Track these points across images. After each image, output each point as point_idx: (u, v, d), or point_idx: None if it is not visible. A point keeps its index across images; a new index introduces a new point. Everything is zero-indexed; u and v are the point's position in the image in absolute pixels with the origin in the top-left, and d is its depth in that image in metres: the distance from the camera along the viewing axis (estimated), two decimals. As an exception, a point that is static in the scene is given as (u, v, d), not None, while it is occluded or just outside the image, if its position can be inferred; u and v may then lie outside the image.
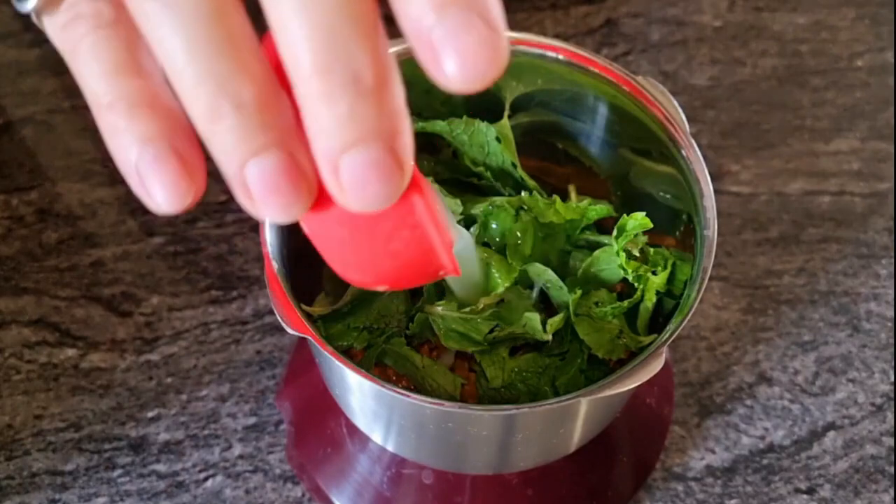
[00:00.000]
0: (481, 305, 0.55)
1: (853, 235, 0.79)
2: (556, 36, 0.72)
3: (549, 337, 0.53)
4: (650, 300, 0.54)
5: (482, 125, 0.57)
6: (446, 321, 0.53)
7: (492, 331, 0.54)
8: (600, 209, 0.56)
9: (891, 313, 0.74)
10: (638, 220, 0.53)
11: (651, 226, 0.53)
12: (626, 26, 0.92)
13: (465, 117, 0.58)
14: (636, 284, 0.53)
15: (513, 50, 0.56)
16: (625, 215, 0.54)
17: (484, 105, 0.59)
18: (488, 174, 0.58)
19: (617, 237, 0.54)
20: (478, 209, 0.57)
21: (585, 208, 0.56)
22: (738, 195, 0.81)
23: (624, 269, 0.53)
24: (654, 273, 0.54)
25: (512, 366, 0.55)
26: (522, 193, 0.57)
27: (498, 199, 0.57)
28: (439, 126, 0.58)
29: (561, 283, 0.54)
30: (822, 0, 0.95)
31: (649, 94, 0.54)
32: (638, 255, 0.55)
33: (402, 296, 0.57)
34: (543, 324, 0.53)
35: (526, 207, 0.56)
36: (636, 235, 0.55)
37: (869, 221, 0.79)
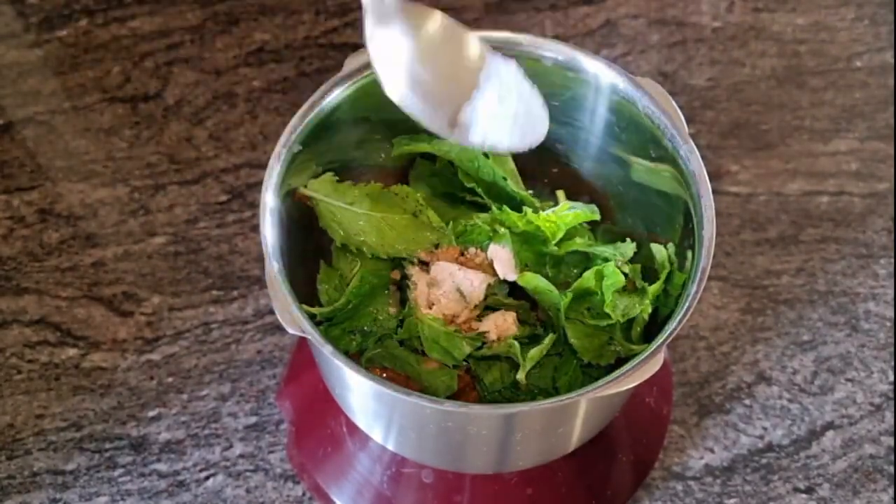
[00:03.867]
0: (463, 318, 0.55)
1: (852, 235, 0.79)
2: (556, 37, 0.72)
3: (523, 377, 0.53)
4: (645, 312, 0.54)
5: None
6: (432, 331, 0.54)
7: (479, 347, 0.54)
8: (577, 215, 0.56)
9: (890, 313, 0.75)
10: (612, 276, 0.53)
11: (623, 282, 0.54)
12: (626, 27, 0.92)
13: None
14: (622, 320, 0.54)
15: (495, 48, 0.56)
16: (601, 266, 0.54)
17: None
18: (480, 190, 0.58)
19: (598, 279, 0.54)
20: (457, 229, 0.58)
21: (558, 217, 0.56)
22: (736, 195, 0.81)
23: (610, 313, 0.54)
24: (643, 290, 0.54)
25: (509, 366, 0.55)
26: (494, 208, 0.57)
27: (475, 217, 0.58)
28: (425, 146, 0.58)
29: (551, 288, 0.54)
30: (821, 1, 0.95)
31: (648, 95, 0.54)
32: (627, 272, 0.55)
33: (393, 300, 0.58)
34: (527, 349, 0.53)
35: (501, 221, 0.57)
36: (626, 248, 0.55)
37: (868, 221, 0.80)
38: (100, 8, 0.91)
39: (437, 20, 0.51)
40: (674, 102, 0.54)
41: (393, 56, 0.49)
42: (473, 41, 0.52)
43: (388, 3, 0.49)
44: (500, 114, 0.50)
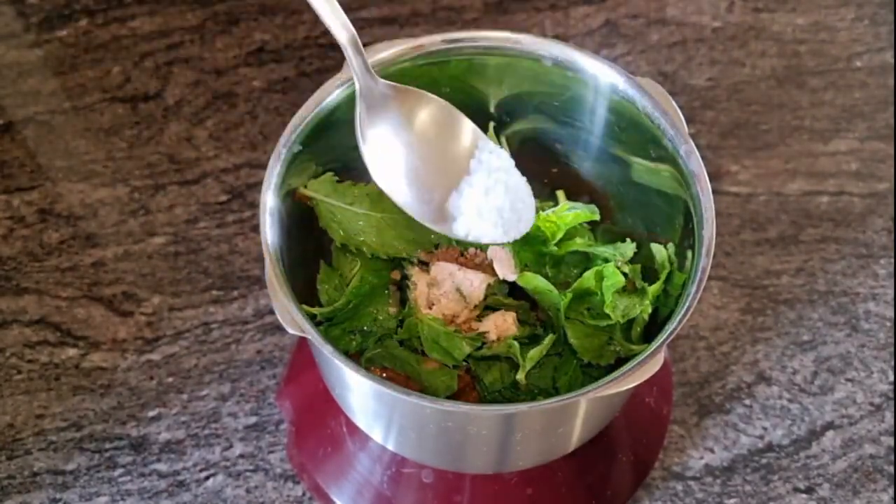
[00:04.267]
0: (462, 318, 0.55)
1: (852, 235, 0.79)
2: (556, 37, 0.72)
3: (523, 378, 0.53)
4: (645, 312, 0.54)
5: None
6: (432, 331, 0.54)
7: (479, 348, 0.54)
8: (577, 215, 0.56)
9: (890, 313, 0.75)
10: (612, 277, 0.53)
11: (623, 283, 0.54)
12: (626, 27, 0.92)
13: None
14: (622, 321, 0.54)
15: (493, 50, 0.56)
16: (600, 267, 0.54)
17: (476, 114, 0.60)
18: None
19: (598, 280, 0.54)
20: None
21: (558, 217, 0.56)
22: (736, 195, 0.81)
23: (610, 314, 0.53)
24: (643, 290, 0.54)
25: (509, 366, 0.55)
26: None
27: None
28: None
29: (550, 288, 0.54)
30: (821, 1, 0.95)
31: (648, 95, 0.54)
32: (627, 272, 0.55)
33: (393, 300, 0.58)
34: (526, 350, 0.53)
35: None
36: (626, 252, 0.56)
37: (867, 221, 0.80)
38: (100, 8, 0.91)
39: (431, 105, 0.52)
40: (674, 102, 0.54)
41: (386, 148, 0.50)
42: (467, 126, 0.53)
43: (378, 91, 0.50)
44: (485, 207, 0.52)
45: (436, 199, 0.51)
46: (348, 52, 0.50)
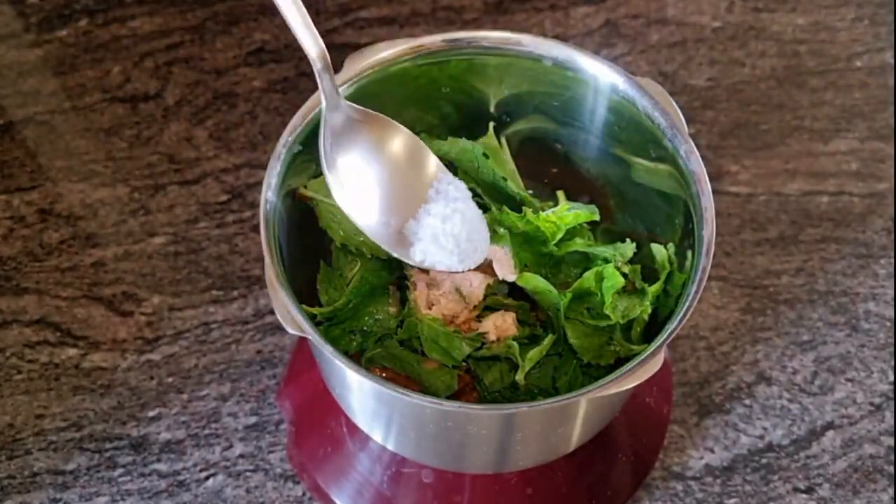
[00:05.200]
0: (462, 318, 0.55)
1: (852, 235, 0.79)
2: (556, 37, 0.72)
3: (522, 378, 0.53)
4: (645, 312, 0.54)
5: (467, 144, 0.57)
6: (432, 332, 0.54)
7: (479, 348, 0.54)
8: (577, 215, 0.56)
9: (890, 313, 0.75)
10: (611, 277, 0.54)
11: (623, 283, 0.54)
12: (626, 27, 0.92)
13: (449, 138, 0.58)
14: (622, 322, 0.54)
15: (493, 50, 0.56)
16: (600, 268, 0.54)
17: (476, 114, 0.60)
18: (480, 190, 0.58)
19: (598, 280, 0.54)
20: None
21: (558, 217, 0.56)
22: (736, 195, 0.81)
23: (610, 314, 0.53)
24: (642, 291, 0.54)
25: (509, 366, 0.55)
26: (494, 208, 0.57)
27: None
28: None
29: (550, 288, 0.54)
30: (821, 1, 0.95)
31: (648, 95, 0.54)
32: (627, 272, 0.55)
33: (393, 300, 0.58)
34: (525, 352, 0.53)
35: (500, 222, 0.57)
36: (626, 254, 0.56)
37: (867, 221, 0.80)
38: (100, 8, 0.91)
39: (397, 134, 0.53)
40: (674, 102, 0.54)
41: (350, 172, 0.51)
42: (430, 158, 0.54)
43: (345, 114, 0.51)
44: (442, 234, 0.53)
45: (393, 224, 0.52)
46: (317, 67, 0.49)
